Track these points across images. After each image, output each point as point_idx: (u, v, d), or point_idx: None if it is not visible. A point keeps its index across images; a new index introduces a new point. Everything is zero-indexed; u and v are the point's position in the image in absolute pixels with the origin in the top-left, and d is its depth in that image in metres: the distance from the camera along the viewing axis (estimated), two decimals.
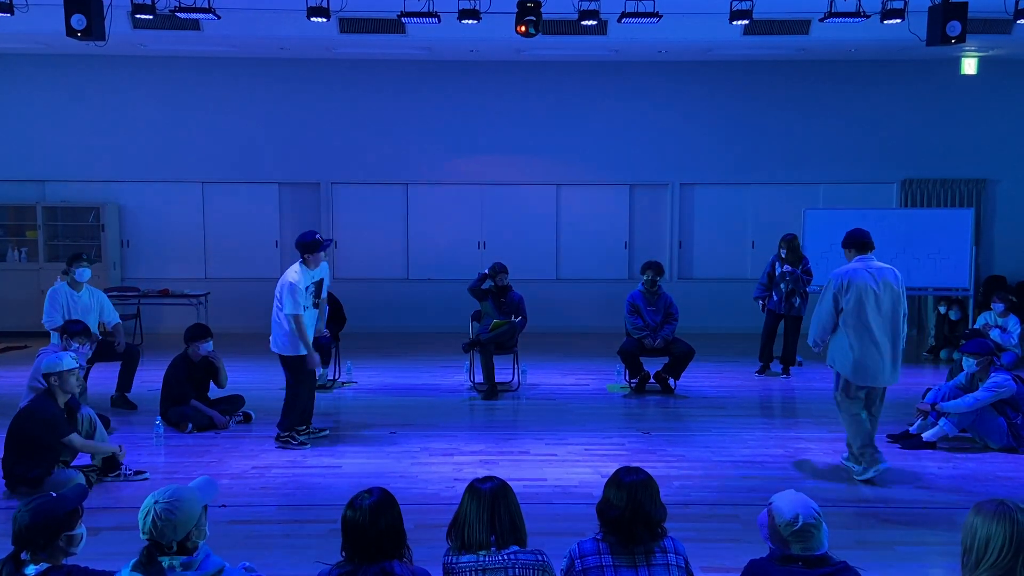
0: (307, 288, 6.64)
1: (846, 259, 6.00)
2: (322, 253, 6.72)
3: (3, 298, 11.52)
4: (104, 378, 8.08)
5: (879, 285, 5.77)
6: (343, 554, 3.02)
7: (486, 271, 8.67)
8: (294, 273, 6.58)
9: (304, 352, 6.61)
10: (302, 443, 6.71)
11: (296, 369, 6.70)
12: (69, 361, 5.66)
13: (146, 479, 5.89)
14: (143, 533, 2.95)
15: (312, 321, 6.82)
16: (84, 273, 7.77)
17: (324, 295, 7.06)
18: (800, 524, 2.92)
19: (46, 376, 5.63)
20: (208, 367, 7.40)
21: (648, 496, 3.14)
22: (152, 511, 2.94)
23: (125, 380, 7.92)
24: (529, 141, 12.06)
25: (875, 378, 5.89)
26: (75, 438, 5.61)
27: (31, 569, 2.97)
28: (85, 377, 7.55)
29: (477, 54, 11.40)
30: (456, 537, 3.18)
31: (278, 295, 6.61)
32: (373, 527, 2.96)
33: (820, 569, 2.93)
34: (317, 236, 6.69)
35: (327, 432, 7.02)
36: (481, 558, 3.09)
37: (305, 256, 6.65)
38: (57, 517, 3.02)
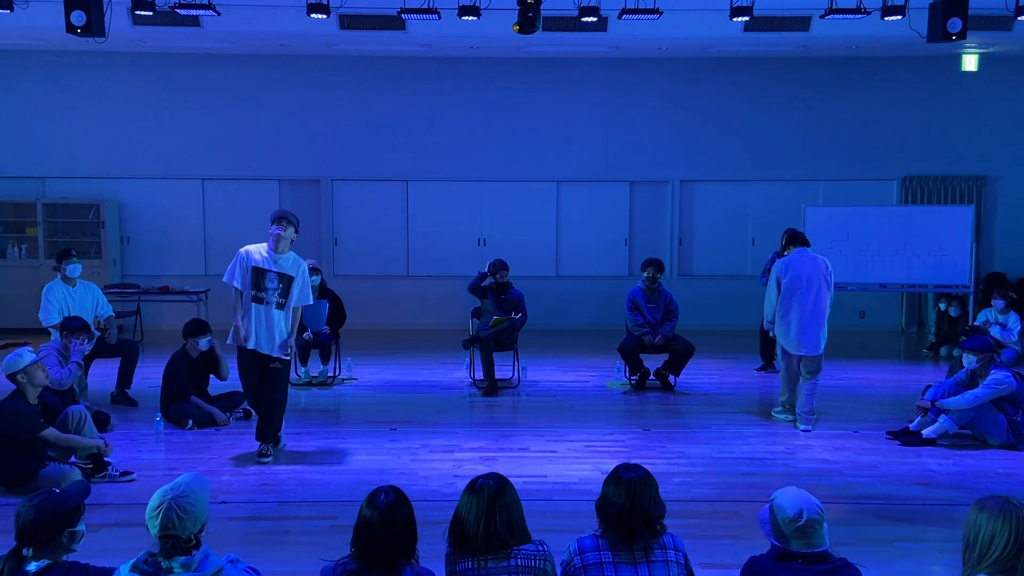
0: (266, 274, 6.06)
1: (784, 252, 7.53)
2: (280, 233, 6.04)
3: (3, 295, 11.53)
4: (105, 375, 8.08)
5: (810, 272, 7.02)
6: (352, 551, 3.01)
7: (485, 270, 8.66)
8: (255, 246, 6.16)
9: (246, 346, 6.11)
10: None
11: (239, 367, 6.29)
12: (28, 356, 5.59)
13: (133, 480, 5.81)
14: (159, 530, 2.85)
15: (281, 322, 6.12)
16: (75, 269, 7.76)
17: (297, 297, 6.21)
18: (804, 520, 2.93)
19: (11, 376, 5.55)
20: (208, 362, 7.39)
21: (647, 493, 3.14)
22: (169, 505, 2.86)
23: (125, 376, 7.92)
24: (529, 138, 12.06)
25: (799, 347, 7.05)
26: (50, 433, 5.52)
27: (32, 565, 2.97)
28: (85, 374, 7.55)
29: (477, 51, 11.40)
30: (456, 535, 3.17)
31: None
32: (391, 528, 2.95)
33: (820, 566, 2.93)
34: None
35: (283, 444, 6.54)
36: (482, 554, 3.10)
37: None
38: (61, 513, 3.02)
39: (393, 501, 3.00)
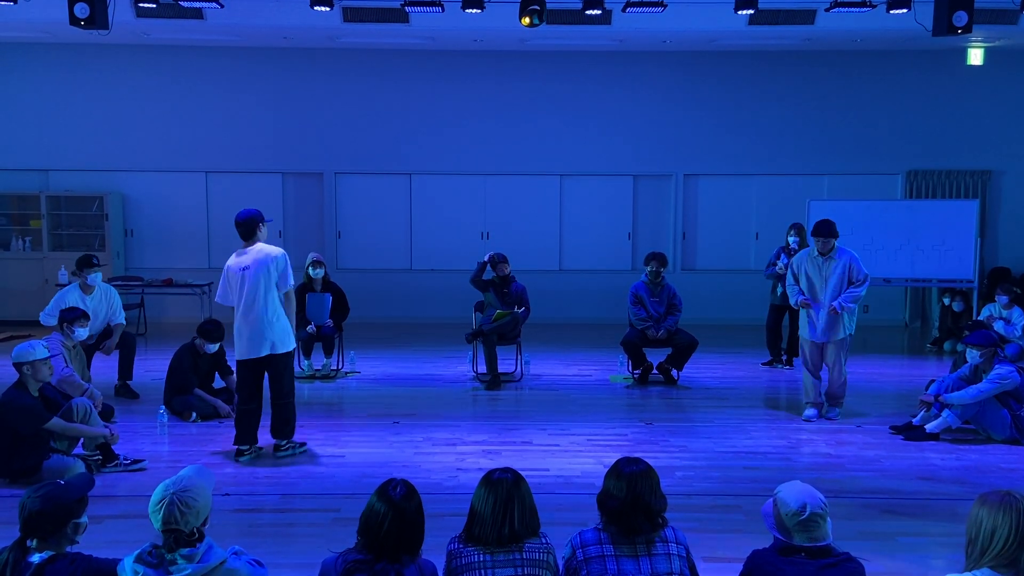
0: None
1: (823, 246, 7.12)
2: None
3: (7, 287, 11.55)
4: (106, 366, 8.09)
5: None
6: (358, 542, 3.02)
7: (485, 259, 8.66)
8: (277, 248, 6.09)
9: (293, 346, 6.18)
10: (302, 445, 6.34)
11: (290, 365, 6.19)
12: (41, 351, 5.61)
13: (144, 468, 5.86)
14: (162, 525, 2.88)
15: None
16: (96, 278, 7.84)
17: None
18: (807, 514, 2.93)
19: (18, 365, 5.57)
20: (216, 361, 7.40)
21: (648, 486, 3.14)
22: (171, 500, 2.87)
23: (125, 368, 7.94)
24: (533, 131, 12.03)
25: None
26: (55, 422, 5.55)
27: (36, 556, 2.98)
28: (87, 366, 7.57)
29: (481, 44, 11.37)
30: (471, 529, 3.17)
31: (266, 273, 5.94)
32: (402, 521, 2.97)
33: (823, 560, 2.93)
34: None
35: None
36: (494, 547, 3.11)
37: (260, 228, 6.11)
38: (65, 505, 3.03)
39: (406, 493, 3.02)
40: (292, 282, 6.09)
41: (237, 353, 6.08)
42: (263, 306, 5.95)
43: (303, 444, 6.35)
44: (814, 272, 7.17)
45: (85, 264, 7.80)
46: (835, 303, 6.99)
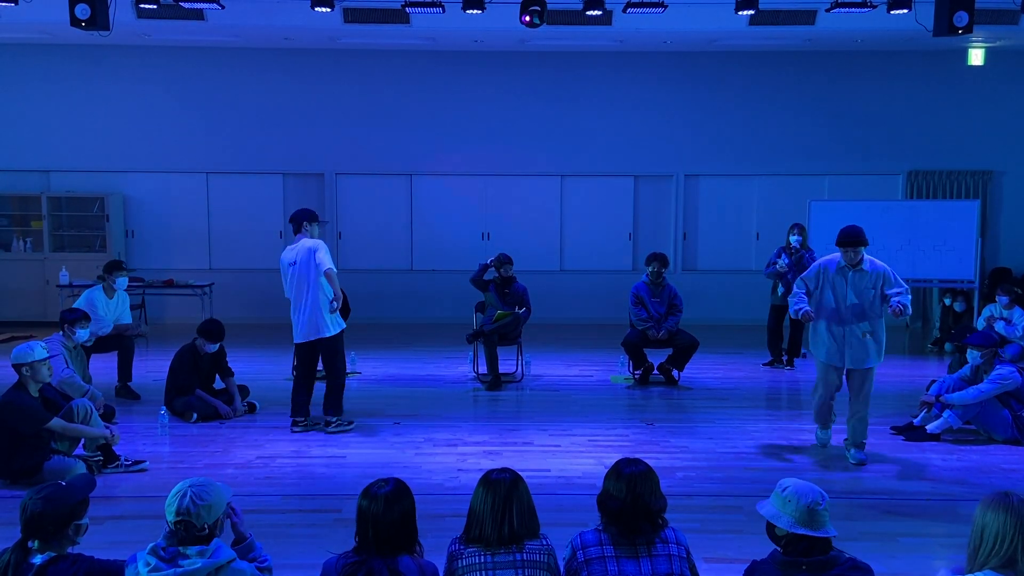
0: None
1: (853, 257, 5.99)
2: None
3: (8, 288, 11.55)
4: (106, 367, 8.10)
5: None
6: (356, 541, 3.03)
7: (487, 261, 8.66)
8: (315, 240, 6.64)
9: (343, 326, 6.76)
10: (350, 422, 6.88)
11: (339, 346, 6.80)
12: (40, 351, 5.62)
13: (145, 469, 5.86)
14: (176, 515, 2.95)
15: None
16: (123, 283, 8.10)
17: None
18: (824, 504, 2.96)
19: (17, 367, 5.58)
20: (216, 360, 7.40)
21: (648, 487, 3.14)
22: (185, 492, 2.98)
23: (124, 370, 7.95)
24: (533, 132, 12.03)
25: None
26: (56, 423, 5.56)
27: (38, 558, 2.98)
28: (86, 366, 7.56)
29: (481, 44, 11.38)
30: (470, 528, 3.18)
31: (311, 264, 6.54)
32: (387, 518, 2.98)
33: (827, 572, 2.89)
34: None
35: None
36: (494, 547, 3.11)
37: (307, 225, 6.70)
38: (68, 506, 3.04)
39: (389, 491, 3.03)
40: (329, 265, 6.54)
41: (295, 337, 6.76)
42: (313, 295, 6.58)
43: (351, 422, 6.91)
44: (840, 286, 6.05)
45: (115, 268, 8.05)
46: (894, 303, 5.90)
